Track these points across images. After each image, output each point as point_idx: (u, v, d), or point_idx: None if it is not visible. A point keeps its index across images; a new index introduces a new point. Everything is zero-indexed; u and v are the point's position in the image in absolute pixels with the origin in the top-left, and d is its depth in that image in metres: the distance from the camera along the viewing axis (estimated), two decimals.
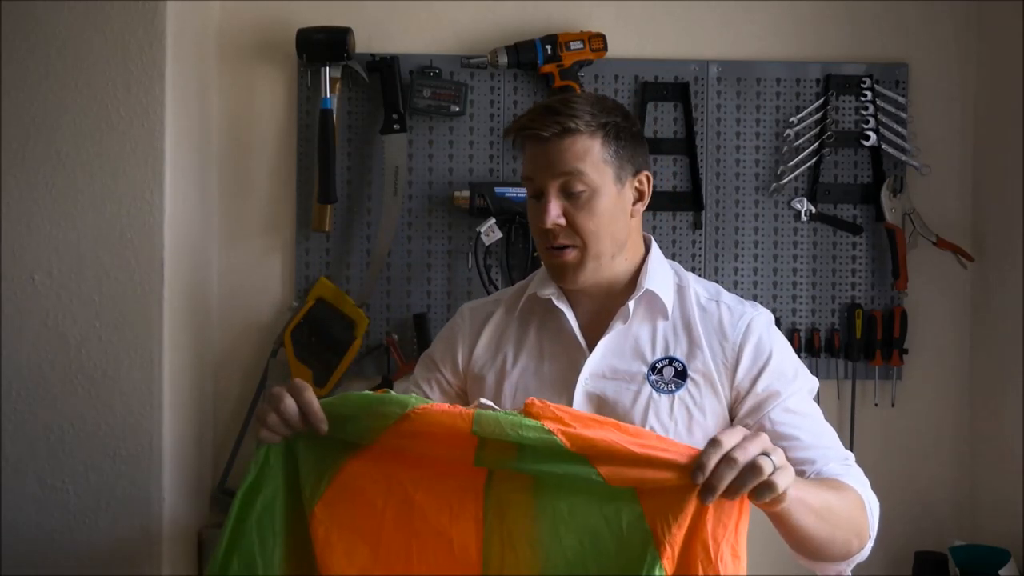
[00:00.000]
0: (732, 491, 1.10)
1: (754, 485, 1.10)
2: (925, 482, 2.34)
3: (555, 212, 1.46)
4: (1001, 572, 2.07)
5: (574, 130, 1.44)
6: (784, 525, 1.23)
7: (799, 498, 1.18)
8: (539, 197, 1.49)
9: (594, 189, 1.46)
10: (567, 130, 1.44)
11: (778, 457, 1.12)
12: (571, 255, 1.48)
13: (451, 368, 1.61)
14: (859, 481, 1.39)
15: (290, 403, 1.25)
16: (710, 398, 1.46)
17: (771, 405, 1.44)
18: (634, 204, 1.51)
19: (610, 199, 1.47)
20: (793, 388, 1.46)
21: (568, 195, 1.46)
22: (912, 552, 2.22)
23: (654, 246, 1.57)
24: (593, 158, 1.45)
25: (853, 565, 1.37)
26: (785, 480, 1.12)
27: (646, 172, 1.53)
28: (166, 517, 1.91)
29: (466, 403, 1.53)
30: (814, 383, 1.52)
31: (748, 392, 1.46)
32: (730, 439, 1.12)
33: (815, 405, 1.50)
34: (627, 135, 1.49)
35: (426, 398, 1.30)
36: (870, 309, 2.31)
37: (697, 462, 1.11)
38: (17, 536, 1.86)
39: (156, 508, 1.90)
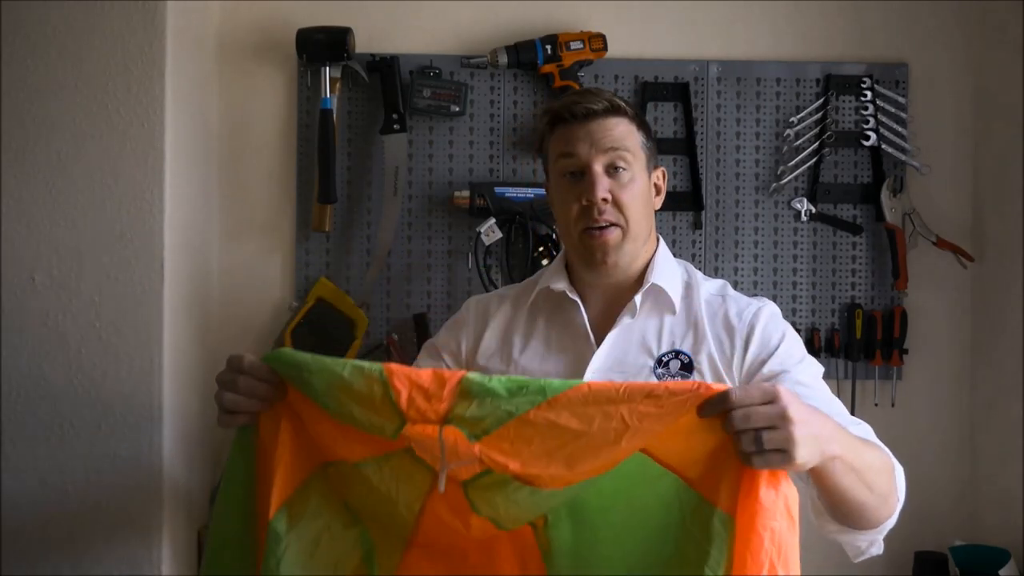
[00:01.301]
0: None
1: (748, 453, 1.06)
2: (925, 482, 2.33)
3: (603, 187, 1.48)
4: (1001, 572, 2.07)
5: (622, 109, 1.51)
6: (822, 482, 1.19)
7: (840, 456, 1.14)
8: (578, 176, 1.51)
9: (634, 171, 1.51)
10: (616, 107, 1.51)
11: (794, 429, 1.05)
12: (613, 234, 1.50)
13: (452, 356, 1.62)
14: (882, 445, 1.37)
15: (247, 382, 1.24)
16: None
17: (780, 380, 1.43)
18: (655, 196, 1.58)
19: (644, 184, 1.53)
20: (801, 367, 1.47)
21: (611, 174, 1.50)
22: (912, 552, 2.22)
23: (662, 243, 1.61)
24: (634, 141, 1.52)
25: (884, 533, 1.34)
26: (797, 455, 1.06)
27: (663, 168, 1.60)
28: (166, 517, 1.91)
29: None
30: (820, 369, 1.52)
31: (755, 375, 1.46)
32: (741, 397, 1.07)
33: (825, 384, 1.49)
34: (649, 131, 1.57)
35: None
36: (870, 309, 2.31)
37: (700, 408, 1.08)
38: (17, 535, 1.85)
39: (156, 508, 1.89)
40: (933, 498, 2.33)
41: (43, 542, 1.86)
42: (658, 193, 1.59)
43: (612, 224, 1.49)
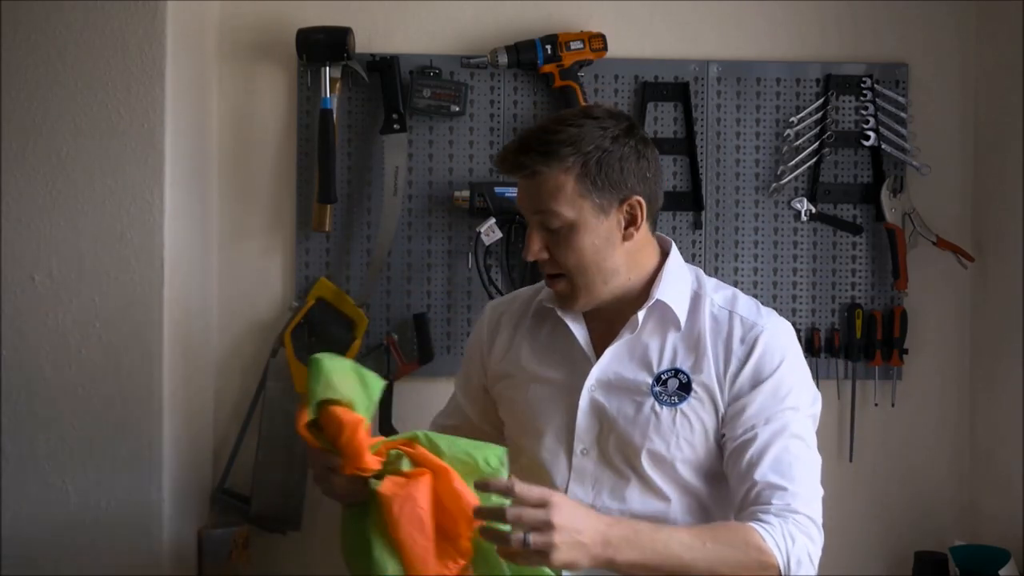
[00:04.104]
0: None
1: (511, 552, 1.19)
2: (925, 482, 2.34)
3: (536, 246, 1.46)
4: (1001, 572, 2.07)
5: (541, 172, 1.41)
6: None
7: (622, 561, 1.24)
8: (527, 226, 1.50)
9: (571, 224, 1.42)
10: (535, 172, 1.42)
11: (555, 535, 1.18)
12: (560, 284, 1.48)
13: (477, 372, 1.66)
14: (782, 534, 1.32)
15: None
16: (710, 412, 1.45)
17: (752, 430, 1.42)
18: (626, 229, 1.46)
19: (591, 232, 1.43)
20: (779, 408, 1.43)
21: (547, 229, 1.45)
22: (912, 552, 2.22)
23: (673, 252, 1.54)
24: (567, 194, 1.41)
25: None
26: (554, 558, 1.18)
27: (638, 197, 1.44)
28: (166, 517, 1.91)
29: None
30: (815, 408, 1.49)
31: (736, 407, 1.44)
32: (523, 494, 1.20)
33: (800, 437, 1.43)
34: (615, 160, 1.42)
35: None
36: (870, 309, 2.31)
37: (482, 484, 1.24)
38: (17, 536, 1.85)
39: (156, 508, 1.90)
40: (933, 498, 2.33)
41: (43, 542, 1.86)
42: (632, 224, 1.45)
43: (558, 275, 1.47)
